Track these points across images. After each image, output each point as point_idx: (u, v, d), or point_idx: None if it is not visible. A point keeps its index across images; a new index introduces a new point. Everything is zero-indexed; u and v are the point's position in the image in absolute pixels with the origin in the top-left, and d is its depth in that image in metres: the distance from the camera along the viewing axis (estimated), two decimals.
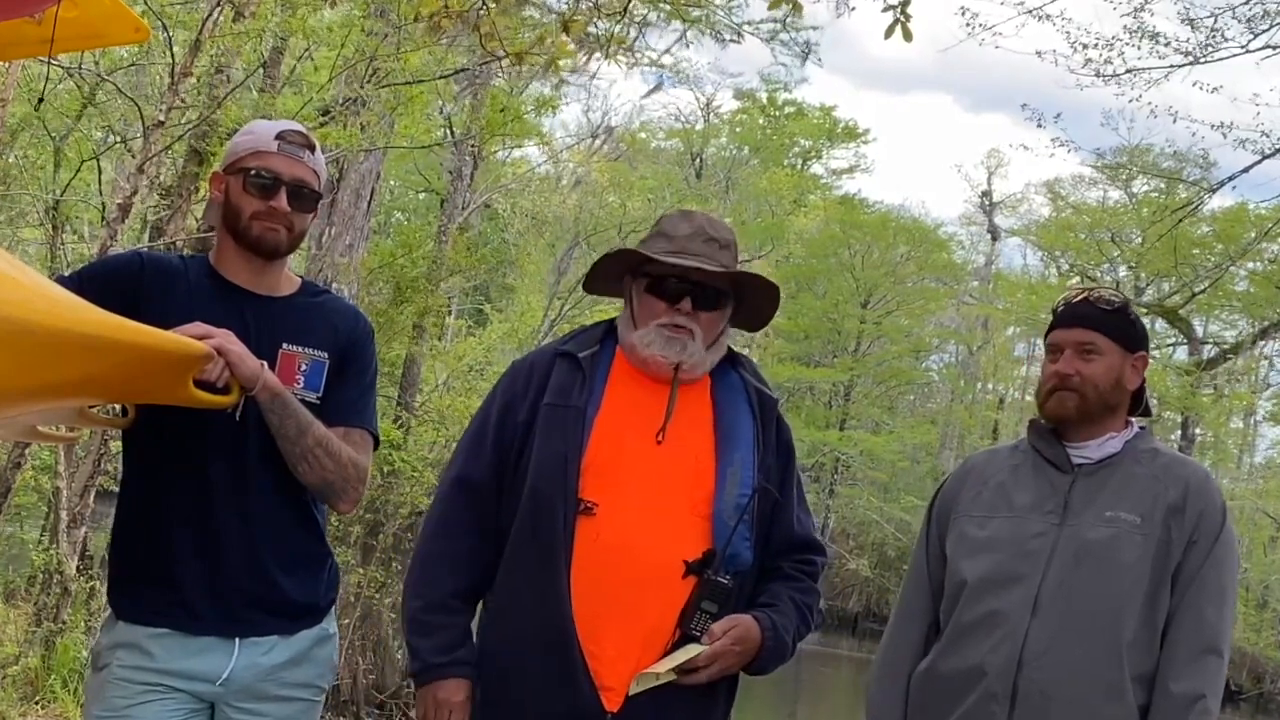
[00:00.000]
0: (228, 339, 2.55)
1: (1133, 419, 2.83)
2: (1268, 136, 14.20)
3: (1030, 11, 12.50)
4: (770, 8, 5.43)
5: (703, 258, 2.69)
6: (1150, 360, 2.91)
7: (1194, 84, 19.88)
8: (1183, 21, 13.08)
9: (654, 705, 2.58)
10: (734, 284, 2.78)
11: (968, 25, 13.57)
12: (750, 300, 2.83)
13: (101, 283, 2.65)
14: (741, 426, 2.74)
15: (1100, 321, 2.76)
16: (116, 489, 2.86)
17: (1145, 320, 2.96)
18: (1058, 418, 2.76)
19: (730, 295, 2.78)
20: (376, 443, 2.84)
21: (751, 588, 2.71)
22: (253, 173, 2.71)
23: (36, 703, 7.40)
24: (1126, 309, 2.79)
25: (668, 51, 19.94)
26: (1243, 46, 12.57)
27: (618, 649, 2.58)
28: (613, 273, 2.84)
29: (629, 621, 2.58)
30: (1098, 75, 13.37)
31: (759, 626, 2.64)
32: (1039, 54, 13.85)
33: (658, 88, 28.92)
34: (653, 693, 2.58)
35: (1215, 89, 17.58)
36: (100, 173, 10.05)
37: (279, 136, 2.74)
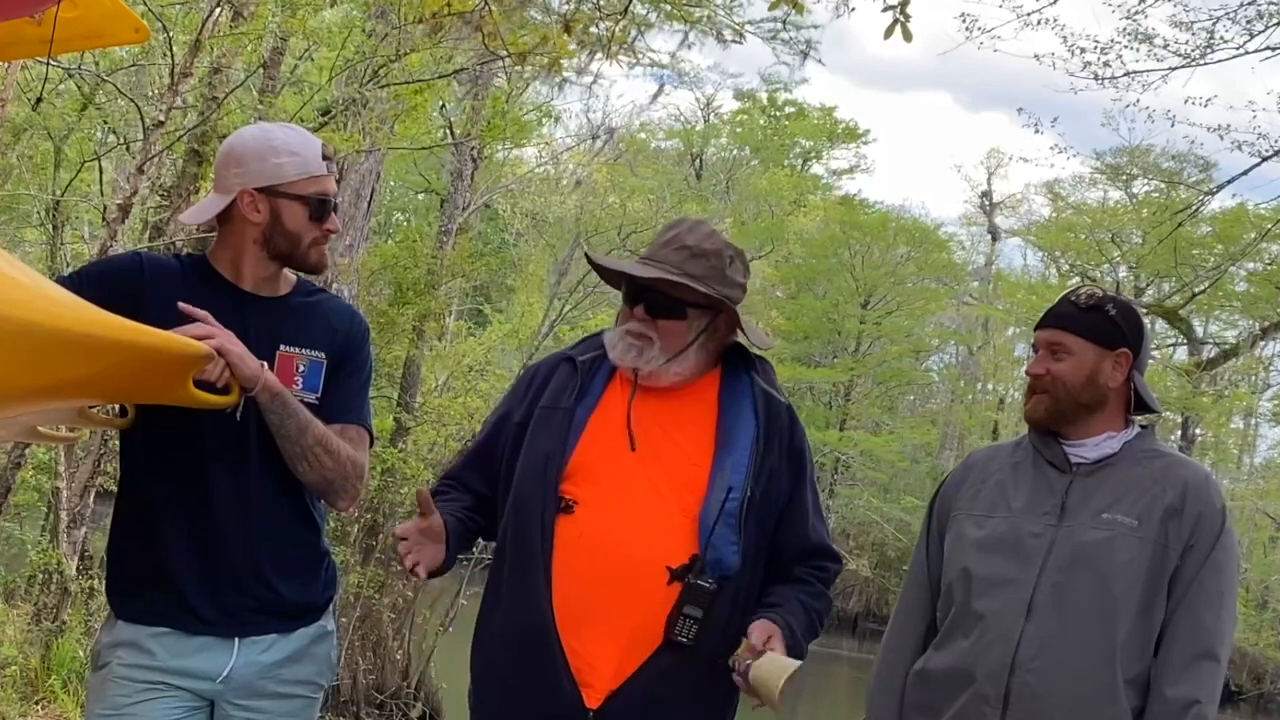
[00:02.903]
0: (228, 339, 2.55)
1: (1135, 418, 2.80)
2: (1265, 139, 14.20)
3: (1028, 15, 12.49)
4: (771, 8, 5.43)
5: (666, 265, 2.68)
6: (1151, 359, 2.89)
7: (1187, 100, 19.93)
8: (1178, 25, 13.07)
9: (639, 704, 2.58)
10: (713, 298, 2.73)
11: (966, 29, 13.55)
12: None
13: (101, 283, 2.64)
14: (740, 430, 2.71)
15: (1071, 320, 2.74)
16: (116, 489, 2.87)
17: (1145, 320, 2.93)
18: (1032, 420, 2.77)
19: (707, 308, 2.72)
20: (372, 439, 2.85)
21: (747, 592, 2.68)
22: (319, 201, 2.72)
23: (36, 703, 7.40)
24: (1103, 306, 2.74)
25: (673, 56, 19.91)
26: (1239, 48, 12.56)
27: (599, 648, 2.58)
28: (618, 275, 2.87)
29: (610, 620, 2.58)
30: (1096, 79, 13.36)
31: (781, 631, 2.62)
32: (1037, 57, 13.84)
33: (660, 92, 28.94)
34: (640, 692, 2.58)
35: (1208, 101, 17.52)
36: (100, 173, 10.04)
37: (326, 157, 2.74)
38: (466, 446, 2.94)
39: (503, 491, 2.73)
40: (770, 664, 2.52)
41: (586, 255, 2.92)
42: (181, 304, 2.57)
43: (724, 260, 2.74)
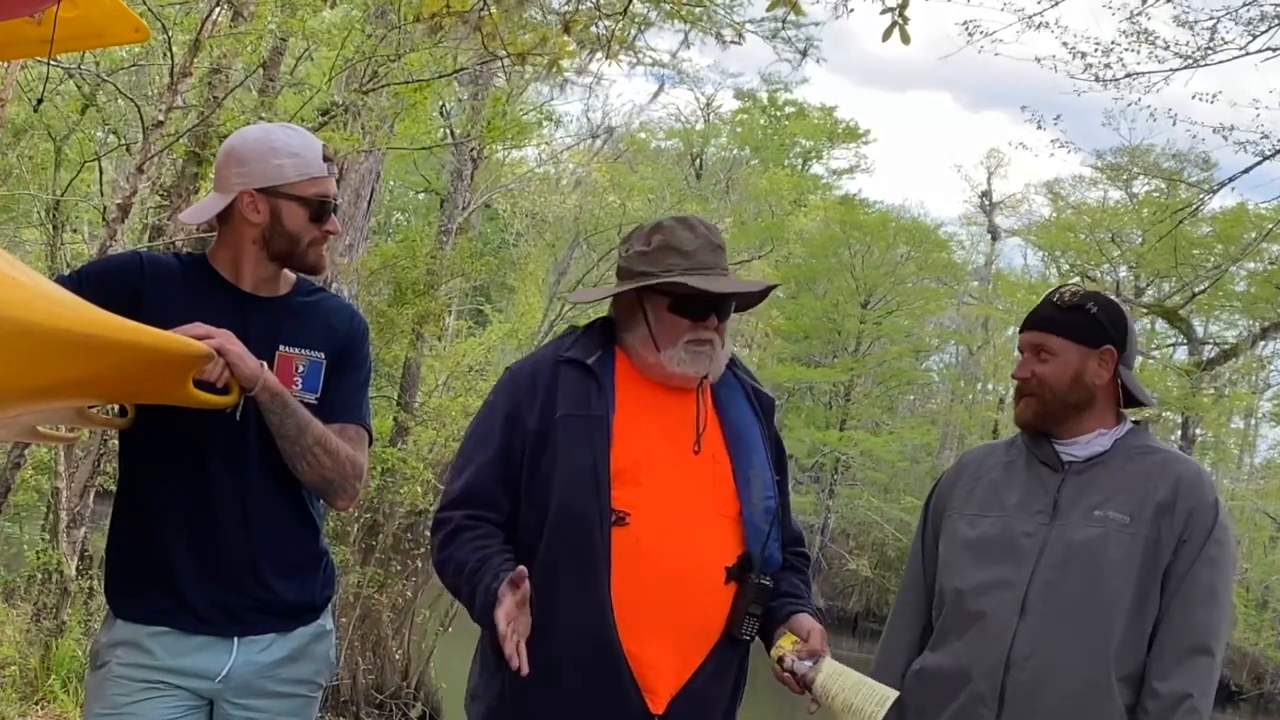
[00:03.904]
0: (228, 339, 2.55)
1: (1127, 414, 2.80)
2: (1268, 138, 14.20)
3: (1029, 17, 12.47)
4: (770, 9, 5.42)
5: (718, 270, 2.69)
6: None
7: (1193, 95, 19.84)
8: (1180, 24, 13.06)
9: (698, 702, 2.60)
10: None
11: (967, 33, 13.53)
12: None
13: (101, 282, 2.65)
14: (751, 428, 2.75)
15: (1053, 321, 2.74)
16: (115, 489, 2.87)
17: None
18: (1021, 423, 2.78)
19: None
20: (371, 439, 2.85)
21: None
22: (319, 203, 2.72)
23: (36, 703, 7.40)
24: (1084, 305, 2.73)
25: (674, 56, 19.91)
26: (1241, 48, 12.56)
27: (660, 652, 2.58)
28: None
29: (672, 627, 2.58)
30: (1097, 80, 13.36)
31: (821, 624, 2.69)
32: (1038, 60, 13.84)
33: (660, 91, 28.90)
34: (699, 691, 2.60)
35: (1214, 96, 17.54)
36: (100, 173, 10.04)
37: (327, 159, 2.74)
38: (464, 455, 2.77)
39: (529, 502, 2.64)
40: (864, 687, 2.51)
41: (649, 286, 2.68)
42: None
43: None
